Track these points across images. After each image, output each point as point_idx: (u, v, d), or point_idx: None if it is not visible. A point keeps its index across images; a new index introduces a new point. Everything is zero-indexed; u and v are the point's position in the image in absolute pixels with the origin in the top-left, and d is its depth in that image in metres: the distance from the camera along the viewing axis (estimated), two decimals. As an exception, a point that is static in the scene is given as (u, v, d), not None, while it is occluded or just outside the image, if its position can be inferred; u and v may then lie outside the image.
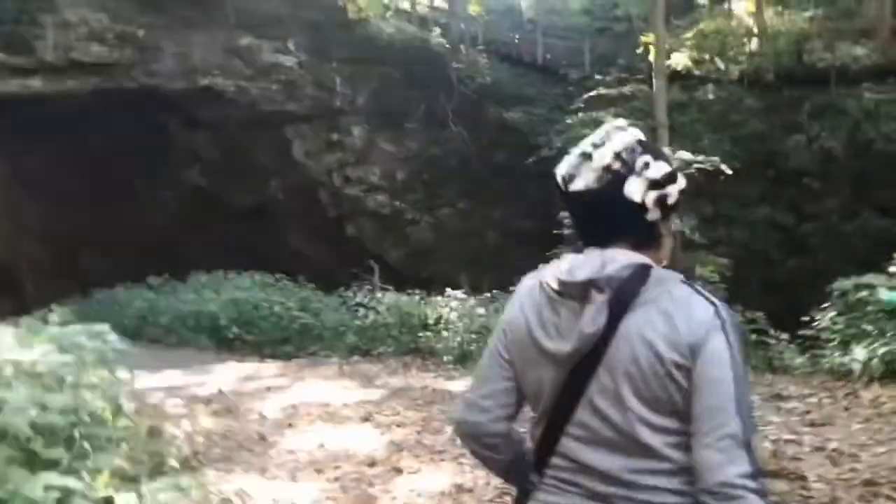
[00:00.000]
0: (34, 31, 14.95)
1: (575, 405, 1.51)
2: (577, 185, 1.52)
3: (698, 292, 1.49)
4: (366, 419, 6.42)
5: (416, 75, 17.02)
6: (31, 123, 17.73)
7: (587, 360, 1.48)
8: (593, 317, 1.45)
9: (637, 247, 1.53)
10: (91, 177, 19.42)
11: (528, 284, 1.61)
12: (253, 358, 10.16)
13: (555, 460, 1.55)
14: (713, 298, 1.48)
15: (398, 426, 6.17)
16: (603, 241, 1.53)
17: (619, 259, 1.49)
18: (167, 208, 19.37)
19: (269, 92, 16.44)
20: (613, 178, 1.50)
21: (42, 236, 20.63)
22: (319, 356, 9.87)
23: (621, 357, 1.45)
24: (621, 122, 1.64)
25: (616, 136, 1.55)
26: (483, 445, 1.69)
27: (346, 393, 7.52)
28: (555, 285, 1.52)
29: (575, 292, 1.49)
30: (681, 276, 1.52)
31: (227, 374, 8.77)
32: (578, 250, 1.56)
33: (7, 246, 21.43)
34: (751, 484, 1.37)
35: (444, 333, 9.27)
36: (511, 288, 1.85)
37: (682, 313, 1.45)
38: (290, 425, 6.31)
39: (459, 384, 7.70)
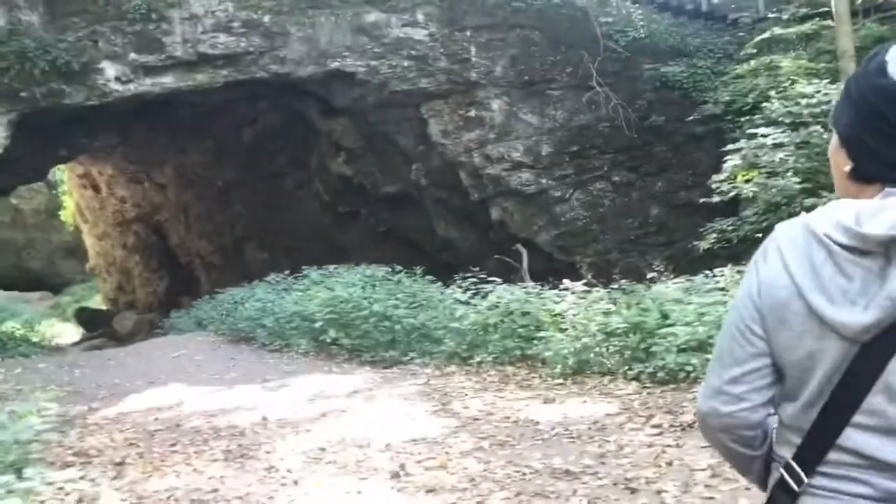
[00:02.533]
0: (163, 28, 14.18)
1: (867, 388, 1.21)
2: None
3: None
4: (395, 475, 4.57)
5: (558, 36, 14.81)
6: (190, 121, 17.29)
7: (886, 335, 1.19)
8: None
9: None
10: (246, 170, 18.81)
11: (791, 235, 1.28)
12: (349, 365, 8.57)
13: (834, 456, 1.25)
14: None
15: (429, 491, 4.26)
16: None
17: None
18: (318, 199, 18.36)
19: (400, 69, 14.84)
20: None
21: (208, 233, 20.34)
22: (415, 364, 8.11)
23: None
24: None
25: None
26: (736, 440, 1.37)
27: (406, 424, 5.72)
28: (843, 239, 1.21)
29: (875, 249, 1.19)
30: None
31: (298, 391, 7.24)
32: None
33: (183, 246, 21.42)
34: None
35: (559, 336, 7.22)
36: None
37: None
38: (295, 482, 4.57)
39: (557, 411, 5.68)
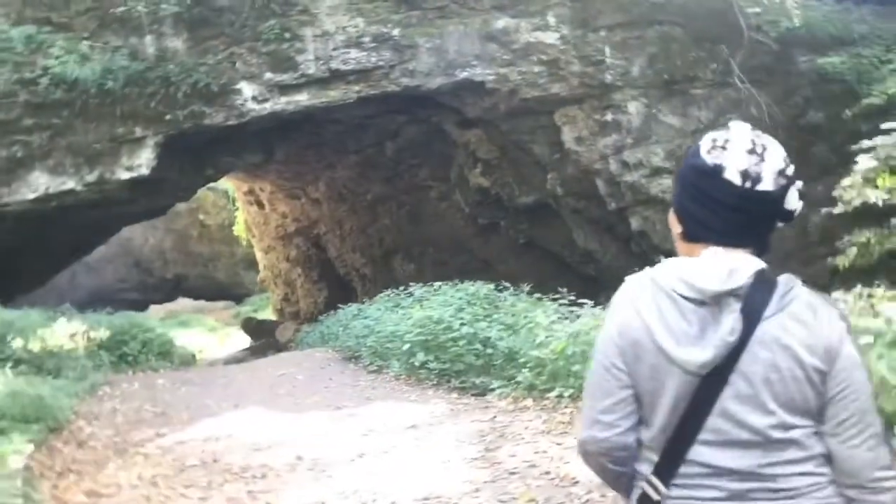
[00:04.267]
0: (296, 46, 14.16)
1: (708, 412, 1.46)
2: (764, 185, 1.49)
3: (818, 294, 1.50)
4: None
5: (701, 31, 13.33)
6: (335, 137, 17.35)
7: (721, 368, 1.44)
8: (732, 326, 1.43)
9: (758, 250, 1.53)
10: (391, 184, 18.63)
11: (639, 287, 1.53)
12: (434, 391, 7.84)
13: (685, 469, 1.49)
14: (828, 299, 1.49)
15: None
16: (737, 243, 1.51)
17: (747, 266, 1.48)
18: (460, 211, 17.81)
19: (530, 75, 13.95)
20: (786, 185, 1.51)
21: (360, 246, 20.36)
22: (496, 394, 7.23)
23: (759, 363, 1.44)
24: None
25: (769, 139, 1.53)
26: (613, 461, 1.59)
27: (433, 475, 4.90)
28: (683, 291, 1.47)
29: (709, 300, 1.45)
30: (800, 280, 1.50)
31: (360, 423, 6.59)
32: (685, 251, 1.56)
33: (340, 258, 21.63)
34: (893, 474, 1.46)
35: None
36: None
37: (816, 319, 1.45)
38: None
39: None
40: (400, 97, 14.81)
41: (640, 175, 13.79)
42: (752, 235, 1.53)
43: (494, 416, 6.34)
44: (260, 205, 22.02)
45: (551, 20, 13.88)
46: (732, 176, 1.50)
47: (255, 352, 18.04)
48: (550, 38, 13.90)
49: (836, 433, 1.46)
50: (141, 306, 31.41)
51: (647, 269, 1.56)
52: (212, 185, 27.78)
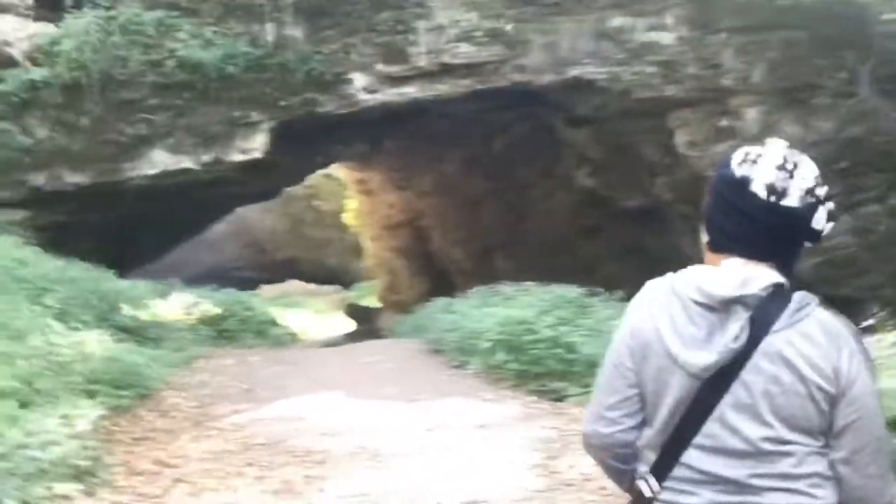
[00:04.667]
0: (409, 39, 14.26)
1: (705, 417, 1.48)
2: (790, 201, 1.51)
3: (836, 316, 1.49)
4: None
5: (827, 37, 12.57)
6: (444, 130, 17.41)
7: (723, 374, 1.46)
8: (737, 333, 1.46)
9: (781, 266, 1.54)
10: (496, 180, 18.51)
11: (656, 291, 1.58)
12: (511, 392, 7.69)
13: (677, 472, 1.51)
14: (847, 323, 1.49)
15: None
16: (758, 256, 1.53)
17: (762, 277, 1.50)
18: (563, 210, 17.51)
19: (644, 76, 13.53)
20: (814, 203, 1.52)
21: (461, 241, 20.36)
22: (573, 400, 7.02)
23: (761, 375, 1.46)
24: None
25: (804, 158, 1.55)
26: (614, 457, 1.63)
27: (490, 478, 4.79)
28: (695, 296, 1.51)
29: (718, 306, 1.49)
30: (818, 299, 1.50)
31: (430, 417, 6.52)
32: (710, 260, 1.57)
33: (441, 252, 21.71)
34: None
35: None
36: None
37: (826, 338, 1.46)
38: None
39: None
40: (509, 93, 14.68)
41: (753, 185, 13.15)
42: (775, 250, 1.55)
43: (565, 424, 6.16)
44: (369, 194, 22.35)
45: (669, 20, 13.42)
46: (758, 189, 1.52)
47: (352, 337, 18.35)
48: (667, 38, 13.44)
49: (850, 461, 1.47)
50: (253, 285, 32.53)
51: (669, 274, 1.60)
52: (327, 172, 28.57)
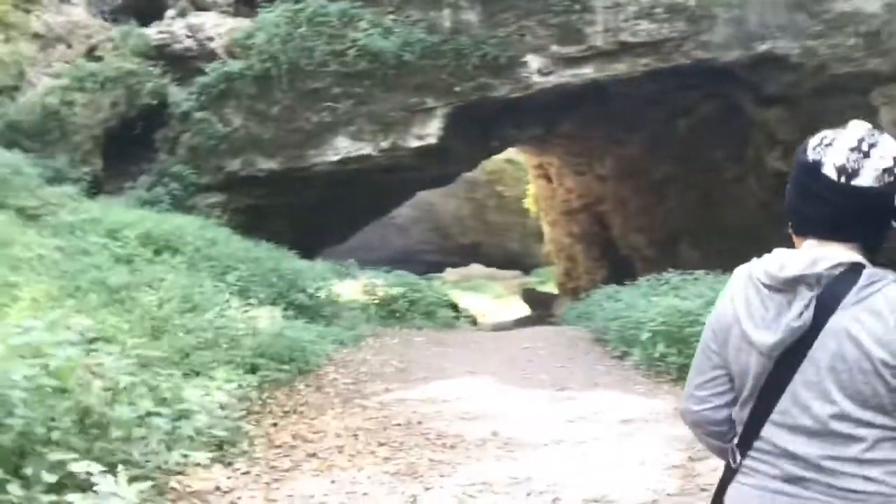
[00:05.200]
0: (585, 18, 13.87)
1: (779, 394, 1.54)
2: (862, 181, 1.52)
3: None
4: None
5: None
6: (623, 112, 16.88)
7: (792, 353, 1.52)
8: (800, 311, 1.50)
9: (861, 247, 1.55)
10: (681, 163, 17.66)
11: (740, 276, 1.65)
12: (669, 387, 7.27)
13: (758, 444, 1.59)
14: None
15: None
16: (832, 236, 1.55)
17: (833, 256, 1.52)
18: (754, 196, 16.39)
19: (843, 49, 12.32)
20: (891, 184, 1.52)
21: (643, 227, 19.65)
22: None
23: (827, 352, 1.49)
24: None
25: (885, 137, 1.57)
26: (710, 434, 1.71)
27: (624, 476, 4.54)
28: (764, 279, 1.57)
29: (783, 287, 1.53)
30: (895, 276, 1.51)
31: (572, 410, 6.30)
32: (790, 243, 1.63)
33: (622, 238, 21.14)
34: None
35: None
36: None
37: (893, 314, 1.46)
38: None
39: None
40: (692, 71, 13.91)
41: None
42: (852, 230, 1.56)
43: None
44: (548, 179, 22.10)
45: (876, -16, 12.13)
46: (829, 171, 1.55)
47: (524, 322, 18.25)
48: (872, 6, 12.15)
49: None
50: (438, 268, 33.32)
51: (753, 259, 1.66)
52: (510, 157, 28.59)
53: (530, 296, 23.45)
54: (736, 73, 13.73)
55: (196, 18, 15.68)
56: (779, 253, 1.60)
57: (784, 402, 1.53)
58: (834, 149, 1.57)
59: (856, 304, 1.48)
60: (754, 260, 1.64)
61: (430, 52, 14.15)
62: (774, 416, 1.55)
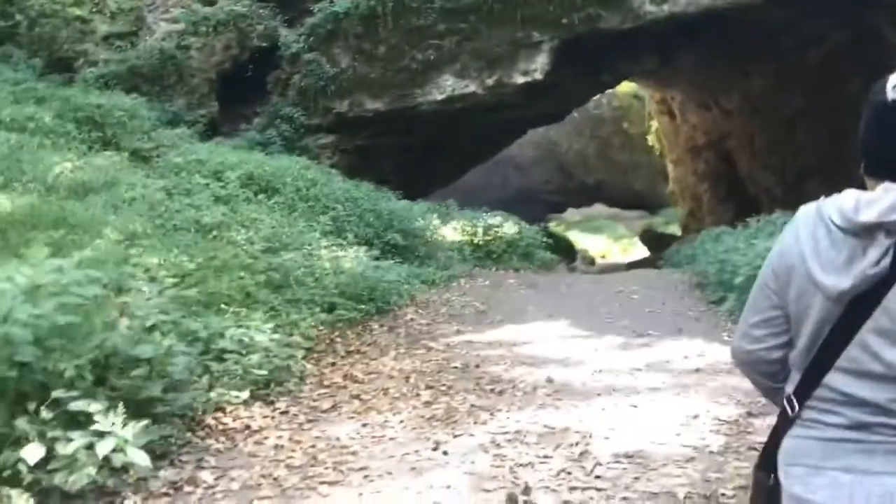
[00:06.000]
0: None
1: (847, 341, 1.51)
2: None
3: None
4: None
5: None
6: (749, 43, 15.79)
7: (864, 300, 1.48)
8: (877, 258, 1.46)
9: None
10: (813, 97, 16.37)
11: (806, 214, 1.59)
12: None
13: (819, 392, 1.55)
14: None
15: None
16: None
17: None
18: None
19: None
20: None
21: (772, 166, 18.47)
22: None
23: None
24: None
25: None
26: (761, 374, 1.70)
27: (667, 432, 4.27)
28: (839, 221, 1.51)
29: (860, 231, 1.48)
30: None
31: (644, 357, 6.02)
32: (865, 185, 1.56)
33: (750, 177, 20.03)
34: None
35: None
36: None
37: None
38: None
39: None
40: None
41: None
42: None
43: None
44: (671, 115, 21.08)
45: None
46: None
47: (637, 265, 17.66)
48: None
49: None
50: (560, 208, 32.78)
51: (822, 198, 1.60)
52: (638, 93, 27.46)
53: (650, 237, 22.68)
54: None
55: (307, -41, 15.71)
56: (853, 194, 1.52)
57: (852, 350, 1.50)
58: None
59: None
60: (823, 198, 1.58)
61: (536, -18, 13.62)
62: (841, 362, 1.51)
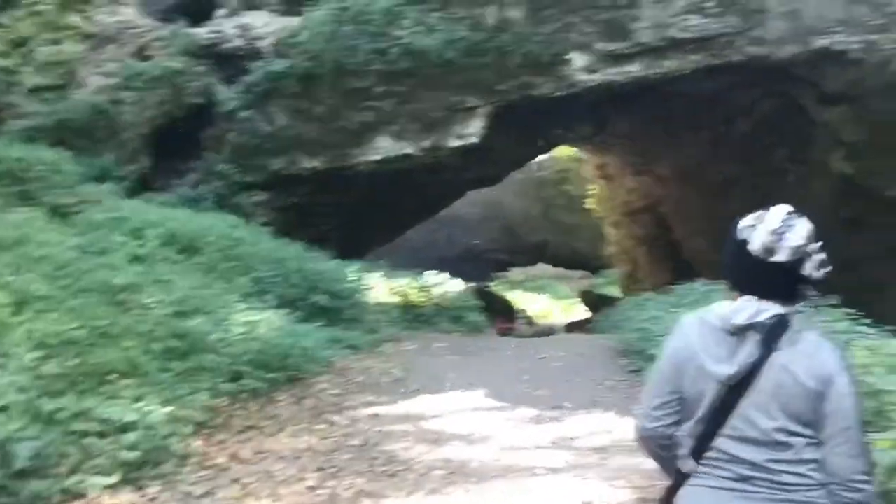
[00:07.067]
0: (632, 14, 13.14)
1: (730, 413, 1.96)
2: (778, 257, 1.98)
3: (825, 338, 1.99)
4: None
5: None
6: (681, 111, 16.06)
7: (743, 382, 1.95)
8: (751, 350, 1.95)
9: (786, 302, 1.99)
10: (743, 164, 16.65)
11: (691, 322, 2.06)
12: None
13: (710, 453, 1.98)
14: (834, 344, 2.00)
15: None
16: (763, 294, 1.99)
17: (770, 309, 1.97)
18: (820, 200, 15.26)
19: (910, 43, 11.26)
20: (801, 258, 1.98)
21: (704, 231, 18.66)
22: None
23: (771, 381, 1.94)
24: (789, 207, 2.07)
25: (800, 221, 2.02)
26: (659, 446, 2.10)
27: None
28: (720, 324, 2.00)
29: (735, 331, 1.98)
30: (813, 326, 2.02)
31: (553, 430, 5.84)
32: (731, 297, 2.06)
33: (686, 242, 20.22)
34: (868, 479, 1.93)
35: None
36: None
37: (817, 354, 1.95)
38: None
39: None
40: (747, 68, 13.02)
41: None
42: (777, 292, 2.00)
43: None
44: (609, 179, 21.30)
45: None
46: (754, 249, 2.00)
47: (574, 327, 17.57)
48: (941, -4, 11.06)
49: (826, 442, 1.93)
50: (504, 267, 32.75)
51: (699, 310, 2.07)
52: (580, 157, 27.78)
53: (589, 298, 22.69)
54: (794, 70, 12.77)
55: (246, 18, 15.65)
56: (726, 304, 2.01)
57: (735, 420, 1.94)
58: (757, 231, 2.00)
59: (790, 346, 1.94)
60: (701, 310, 2.05)
61: (472, 50, 13.68)
62: (726, 430, 1.95)
